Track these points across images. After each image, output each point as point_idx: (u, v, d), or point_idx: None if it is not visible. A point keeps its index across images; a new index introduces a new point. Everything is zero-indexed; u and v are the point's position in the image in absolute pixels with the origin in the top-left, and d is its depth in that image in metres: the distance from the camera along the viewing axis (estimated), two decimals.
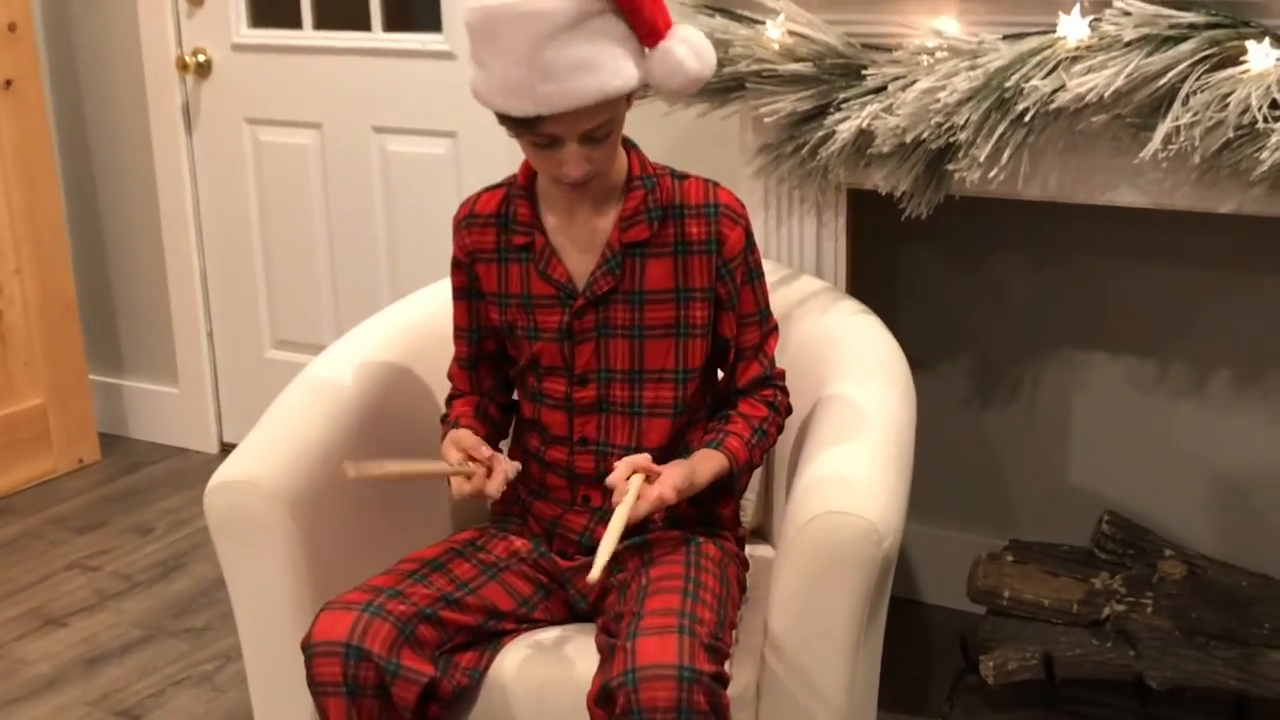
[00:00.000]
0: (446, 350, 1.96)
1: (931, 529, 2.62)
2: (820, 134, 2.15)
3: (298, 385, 2.02)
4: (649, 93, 1.73)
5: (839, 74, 2.12)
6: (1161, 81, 1.90)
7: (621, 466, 1.72)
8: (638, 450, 1.81)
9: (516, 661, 1.78)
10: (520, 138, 1.70)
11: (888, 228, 2.38)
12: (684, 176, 1.83)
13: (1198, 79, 1.89)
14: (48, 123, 3.45)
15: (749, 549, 1.98)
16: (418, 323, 2.18)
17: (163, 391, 3.67)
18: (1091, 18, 1.94)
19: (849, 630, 1.66)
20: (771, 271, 2.01)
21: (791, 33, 2.13)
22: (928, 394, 2.18)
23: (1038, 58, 1.95)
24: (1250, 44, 1.86)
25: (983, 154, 1.99)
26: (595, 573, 1.60)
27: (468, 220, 1.87)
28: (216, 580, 2.86)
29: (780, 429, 1.91)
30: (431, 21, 3.08)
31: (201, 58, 3.34)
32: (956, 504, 2.65)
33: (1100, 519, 2.34)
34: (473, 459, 1.75)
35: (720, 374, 1.91)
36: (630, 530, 1.72)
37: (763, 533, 2.16)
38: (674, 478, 1.72)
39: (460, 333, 1.93)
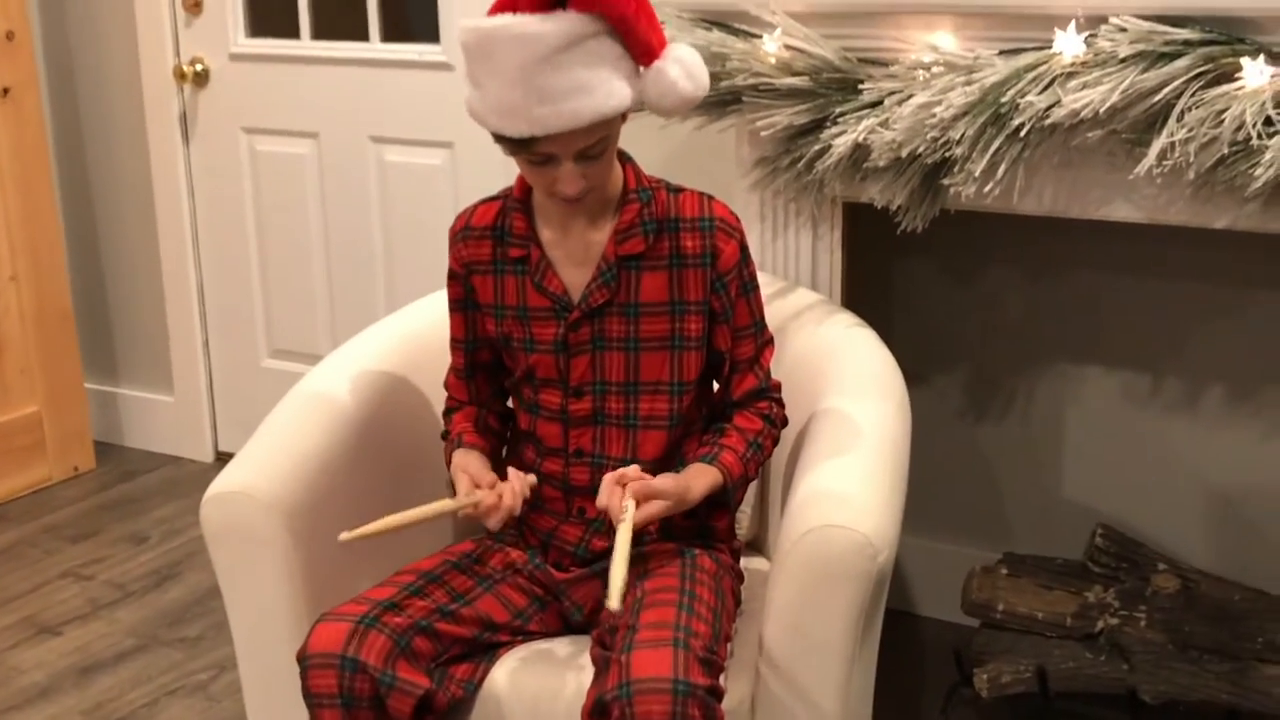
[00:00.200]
0: (443, 361, 1.96)
1: (925, 541, 2.62)
2: (816, 148, 2.15)
3: (294, 396, 2.02)
4: (644, 109, 1.74)
5: (835, 88, 2.13)
6: (1156, 98, 1.91)
7: (608, 481, 1.72)
8: (634, 462, 1.82)
9: (511, 673, 1.78)
10: (515, 155, 1.70)
11: (883, 241, 2.38)
12: (679, 190, 1.84)
13: (1192, 95, 1.89)
14: (45, 131, 3.45)
15: (744, 561, 1.98)
16: (414, 333, 2.18)
17: (158, 400, 3.67)
18: (1087, 34, 1.95)
19: (844, 643, 1.67)
20: (767, 284, 2.02)
21: (788, 47, 2.14)
22: (922, 407, 2.18)
23: (1033, 73, 1.96)
24: (1245, 61, 1.86)
25: (978, 169, 2.00)
26: (615, 602, 1.57)
27: (464, 233, 1.87)
28: (210, 590, 2.86)
29: (776, 441, 1.91)
30: (429, 32, 3.08)
31: (199, 67, 3.34)
32: (950, 517, 2.65)
33: (1094, 532, 2.35)
34: (478, 485, 1.76)
35: (716, 386, 1.92)
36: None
37: (757, 545, 2.17)
38: (663, 487, 1.73)
39: (457, 344, 1.94)
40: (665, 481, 1.75)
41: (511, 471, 1.79)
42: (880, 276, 2.59)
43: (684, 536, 1.87)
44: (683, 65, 1.70)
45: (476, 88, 1.67)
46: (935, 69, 2.05)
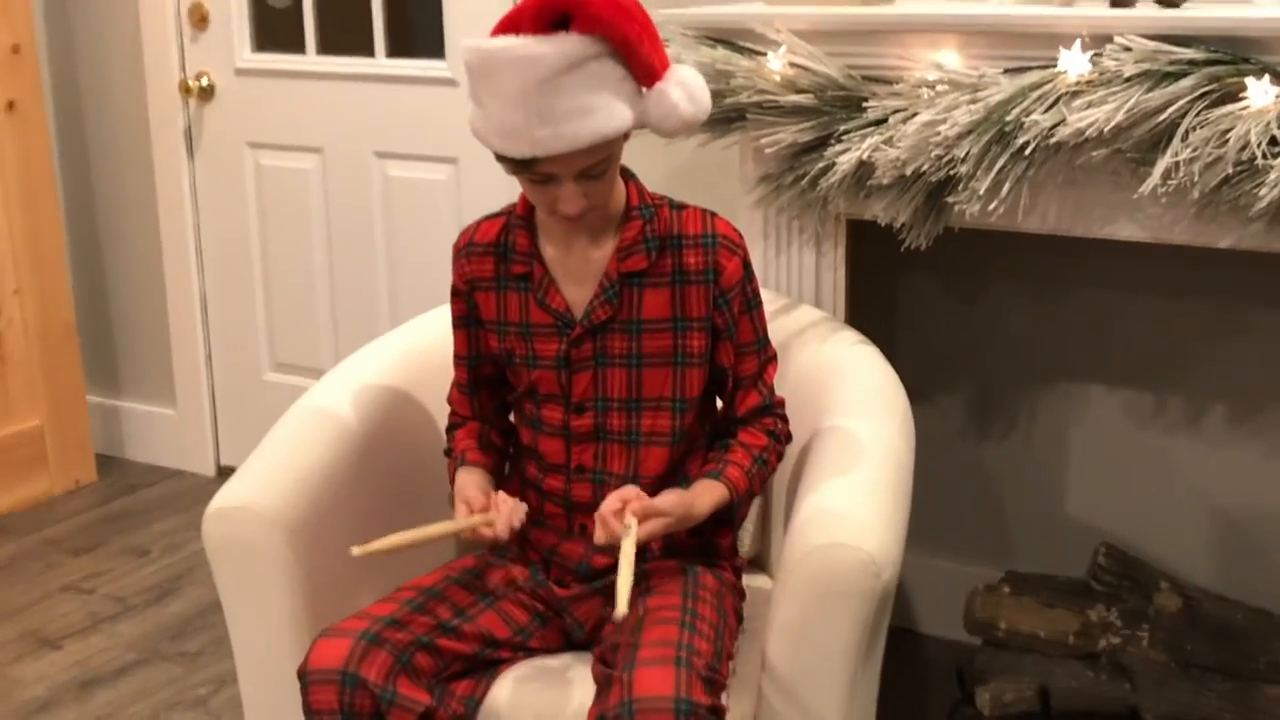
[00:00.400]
0: (446, 377, 1.96)
1: (928, 559, 2.62)
2: (820, 165, 2.15)
3: (297, 411, 2.02)
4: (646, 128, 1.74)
5: (840, 106, 2.13)
6: (1161, 117, 1.91)
7: (611, 499, 1.72)
8: (636, 479, 1.82)
9: (512, 691, 1.77)
10: (517, 175, 1.71)
11: (886, 258, 2.38)
12: (682, 206, 1.84)
13: (1197, 115, 1.89)
14: (50, 144, 3.46)
15: (746, 579, 1.97)
16: (417, 349, 2.18)
17: (160, 413, 3.67)
18: (1092, 53, 1.95)
19: (847, 662, 1.66)
20: (770, 301, 2.01)
21: (793, 64, 2.14)
22: (925, 424, 2.18)
23: (1038, 92, 1.96)
24: (1250, 80, 1.86)
25: (983, 187, 2.00)
26: (622, 606, 1.57)
27: (467, 249, 1.87)
28: (211, 604, 2.86)
29: (780, 457, 1.91)
30: (434, 48, 3.09)
31: (204, 81, 3.35)
32: (953, 534, 2.65)
33: (1096, 551, 2.34)
34: (473, 509, 1.76)
35: (719, 403, 1.91)
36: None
37: (760, 563, 2.16)
38: (665, 505, 1.72)
39: (460, 360, 1.94)
40: (667, 498, 1.74)
41: (501, 496, 1.78)
42: (883, 294, 2.59)
43: (687, 554, 1.87)
44: (685, 87, 1.70)
45: (479, 107, 1.67)
46: (940, 87, 2.05)
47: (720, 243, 1.81)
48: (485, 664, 1.80)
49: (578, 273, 1.82)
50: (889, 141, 2.06)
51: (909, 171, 2.05)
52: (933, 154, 2.02)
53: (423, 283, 3.18)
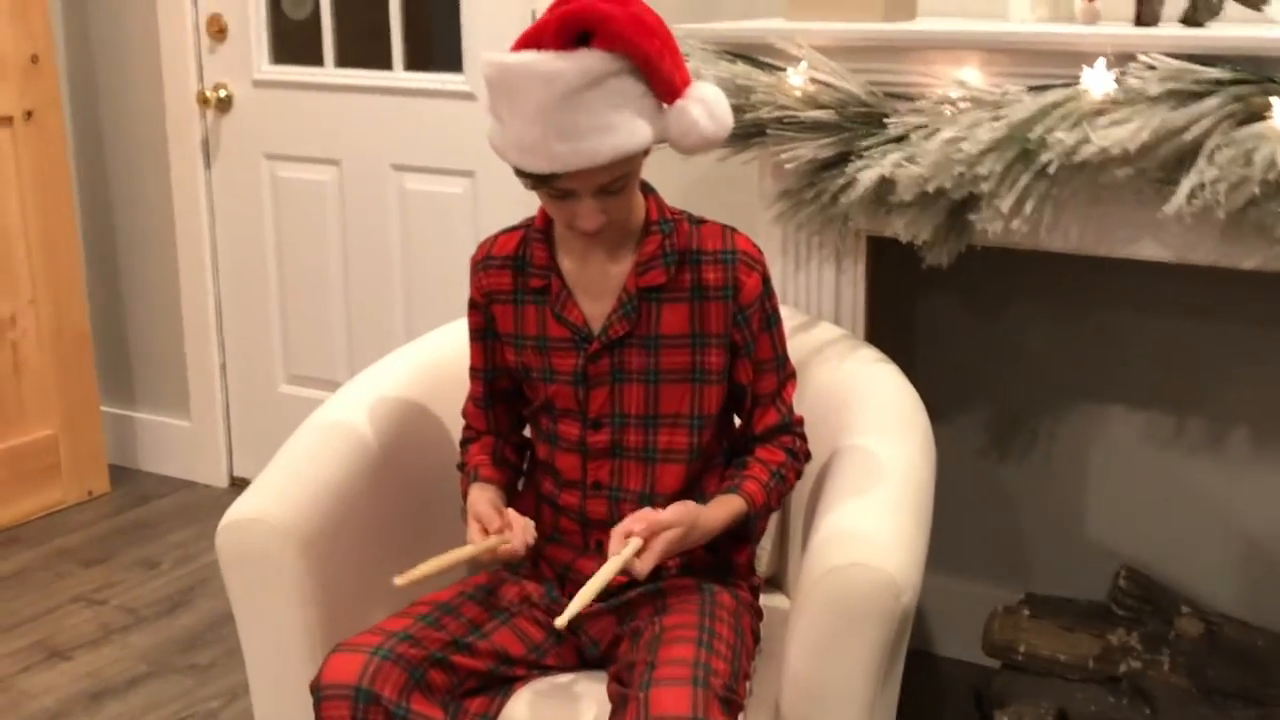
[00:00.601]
0: (461, 390, 1.95)
1: (946, 580, 2.60)
2: (841, 181, 2.14)
3: (312, 423, 2.01)
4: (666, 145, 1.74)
5: (861, 122, 2.12)
6: (1186, 136, 1.89)
7: (628, 520, 1.71)
8: (652, 495, 1.81)
9: (527, 708, 1.76)
10: (536, 189, 1.70)
11: (906, 275, 2.37)
12: (701, 221, 1.83)
13: (1223, 134, 1.88)
14: (67, 154, 3.46)
15: (763, 599, 1.96)
16: (433, 362, 2.17)
17: (174, 424, 3.67)
18: (1116, 71, 1.94)
19: (866, 685, 1.64)
20: (789, 318, 2.00)
21: (814, 80, 2.13)
22: (944, 444, 2.16)
23: (1061, 110, 1.95)
24: (1275, 100, 1.85)
25: (1005, 205, 1.99)
26: (562, 620, 1.60)
27: (485, 262, 1.86)
28: (223, 616, 2.85)
29: (799, 475, 1.89)
30: (452, 62, 3.09)
31: (223, 93, 3.35)
32: (971, 555, 2.63)
33: (1117, 574, 2.32)
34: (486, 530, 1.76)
35: (737, 420, 1.90)
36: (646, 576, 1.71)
37: (777, 582, 2.14)
38: (669, 518, 1.71)
39: (476, 373, 1.92)
40: (673, 509, 1.73)
41: (513, 514, 1.78)
42: (903, 311, 2.57)
43: (704, 571, 1.85)
44: (706, 105, 1.69)
45: (498, 121, 1.67)
46: (962, 104, 2.04)
47: (740, 258, 1.80)
48: (500, 681, 1.78)
49: (596, 287, 1.81)
50: (911, 158, 2.04)
51: (931, 188, 2.04)
52: (955, 171, 2.00)
53: (438, 296, 3.18)
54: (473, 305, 1.89)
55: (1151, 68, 1.91)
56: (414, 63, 3.16)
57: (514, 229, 1.88)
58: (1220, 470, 2.43)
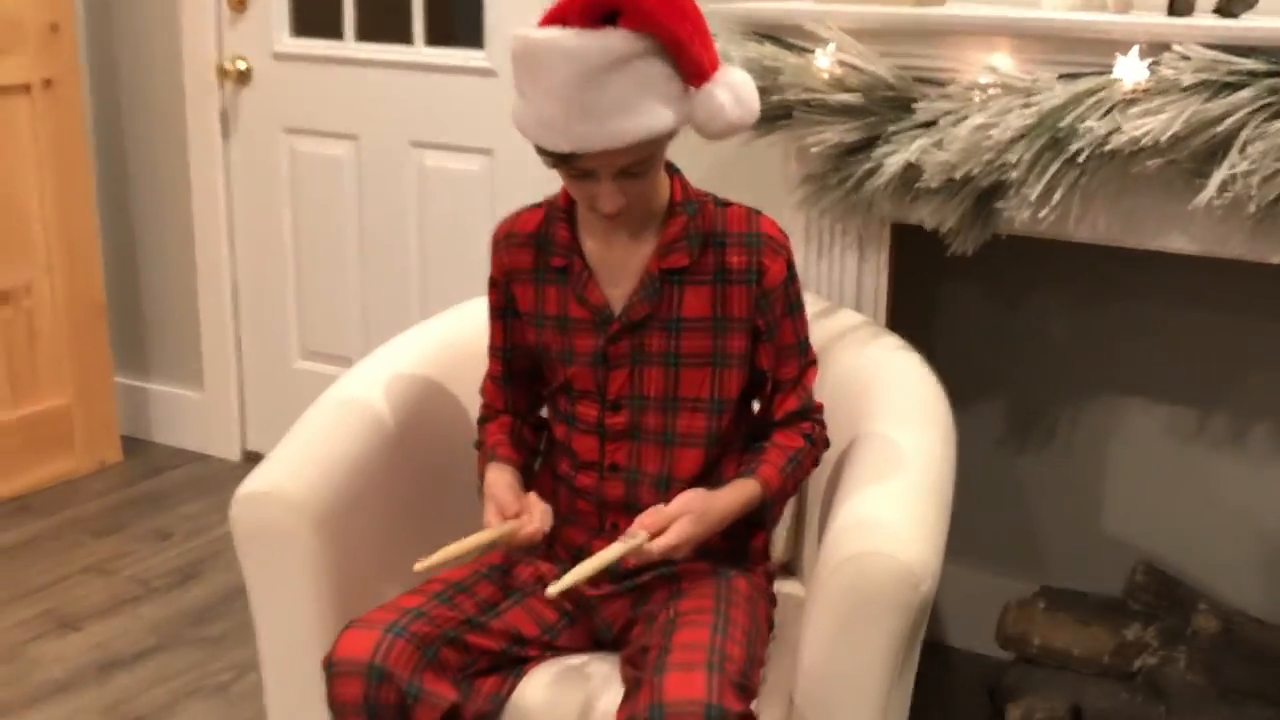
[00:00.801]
0: (479, 368, 1.94)
1: (960, 571, 2.57)
2: (867, 166, 2.12)
3: (328, 399, 2.00)
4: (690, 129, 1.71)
5: (888, 106, 2.10)
6: (1219, 128, 1.87)
7: (648, 512, 1.69)
8: (669, 479, 1.79)
9: (539, 689, 1.75)
10: (556, 168, 1.68)
11: (928, 262, 2.35)
12: (726, 204, 1.81)
13: (1256, 127, 1.86)
14: (85, 123, 3.45)
15: (777, 585, 1.94)
16: (450, 340, 2.16)
17: (188, 396, 3.66)
18: (1150, 61, 1.91)
19: (882, 674, 1.62)
20: (811, 304, 1.98)
21: (842, 63, 2.11)
22: (962, 433, 2.14)
23: (1093, 98, 1.93)
24: None
25: (1034, 193, 1.97)
26: (553, 589, 1.59)
27: (506, 239, 1.85)
28: (234, 589, 2.84)
29: (816, 462, 1.88)
30: (473, 38, 3.07)
31: (242, 65, 3.33)
32: (987, 546, 2.61)
33: (1134, 569, 2.31)
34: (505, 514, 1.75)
35: (756, 406, 1.88)
36: (659, 561, 1.70)
37: (792, 568, 2.13)
38: (676, 510, 1.70)
39: (495, 351, 1.91)
40: (677, 502, 1.71)
41: (533, 498, 1.77)
42: (923, 299, 2.55)
43: (719, 556, 1.83)
44: (733, 90, 1.66)
45: (521, 97, 1.65)
46: (992, 90, 2.02)
47: (765, 243, 1.78)
48: (512, 661, 1.77)
49: (618, 268, 1.80)
50: (938, 144, 2.02)
51: (958, 175, 2.02)
52: (983, 158, 1.98)
53: (454, 274, 3.16)
54: (493, 283, 1.88)
55: (1185, 58, 1.89)
56: (435, 38, 3.14)
57: (536, 206, 1.86)
58: (1242, 467, 2.40)
